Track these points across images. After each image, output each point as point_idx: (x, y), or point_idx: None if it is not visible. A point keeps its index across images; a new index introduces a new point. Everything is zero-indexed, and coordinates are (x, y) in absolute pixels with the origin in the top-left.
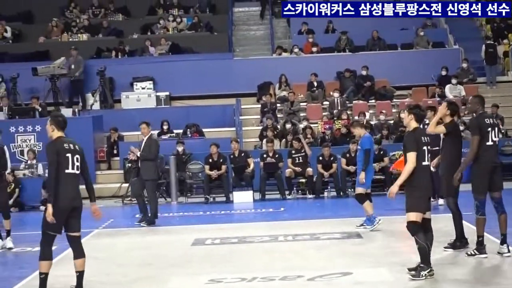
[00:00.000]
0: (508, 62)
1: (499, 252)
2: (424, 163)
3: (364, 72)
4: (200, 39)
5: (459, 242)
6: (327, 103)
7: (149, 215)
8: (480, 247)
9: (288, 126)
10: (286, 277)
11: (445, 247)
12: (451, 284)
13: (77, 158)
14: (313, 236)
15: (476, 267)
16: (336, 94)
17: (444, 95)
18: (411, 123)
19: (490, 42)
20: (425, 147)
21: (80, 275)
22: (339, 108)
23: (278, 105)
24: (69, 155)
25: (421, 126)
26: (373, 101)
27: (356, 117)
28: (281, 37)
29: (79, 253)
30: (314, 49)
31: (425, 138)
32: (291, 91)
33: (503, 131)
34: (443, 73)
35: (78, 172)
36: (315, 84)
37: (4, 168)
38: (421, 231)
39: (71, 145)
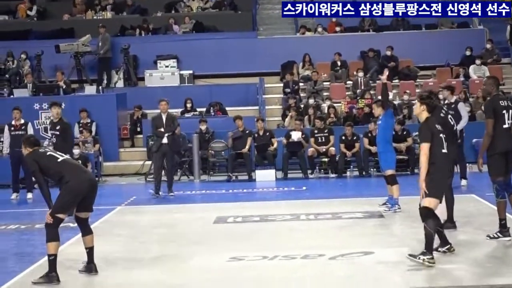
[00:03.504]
0: None
1: None
2: (443, 151)
3: (388, 53)
4: (224, 18)
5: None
6: (351, 82)
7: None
8: (504, 229)
9: (311, 101)
10: (307, 255)
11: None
12: (473, 264)
13: (60, 155)
14: (335, 215)
15: (498, 248)
16: (359, 74)
17: (469, 75)
18: (422, 114)
19: None
20: (441, 135)
21: (90, 251)
22: (363, 87)
23: (301, 84)
24: (50, 153)
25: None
26: (396, 81)
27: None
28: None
29: (87, 230)
30: (338, 28)
31: (439, 127)
32: (314, 70)
33: None
34: (467, 53)
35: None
36: (339, 63)
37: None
38: (432, 218)
39: (48, 151)
